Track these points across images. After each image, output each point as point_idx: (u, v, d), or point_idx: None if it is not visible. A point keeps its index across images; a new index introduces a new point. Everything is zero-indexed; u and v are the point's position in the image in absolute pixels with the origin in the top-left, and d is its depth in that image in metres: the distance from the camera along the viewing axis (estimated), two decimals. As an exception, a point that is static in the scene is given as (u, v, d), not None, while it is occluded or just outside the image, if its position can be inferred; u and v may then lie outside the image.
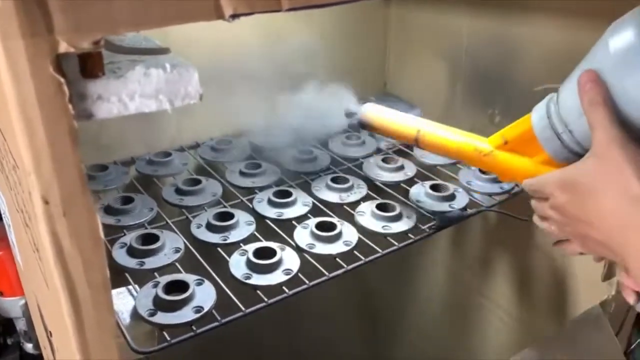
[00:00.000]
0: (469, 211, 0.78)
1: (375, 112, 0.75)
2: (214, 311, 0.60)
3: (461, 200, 0.80)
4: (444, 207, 0.79)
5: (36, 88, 0.28)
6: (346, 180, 0.84)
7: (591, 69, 0.47)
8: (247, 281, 0.64)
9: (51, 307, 0.46)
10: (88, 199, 0.31)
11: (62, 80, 0.28)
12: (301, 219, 0.76)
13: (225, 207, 0.79)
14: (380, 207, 0.77)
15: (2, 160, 0.46)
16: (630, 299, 0.50)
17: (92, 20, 0.28)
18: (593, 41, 0.77)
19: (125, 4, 0.29)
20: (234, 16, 0.32)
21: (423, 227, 0.75)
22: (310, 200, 0.80)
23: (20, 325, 0.89)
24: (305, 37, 0.99)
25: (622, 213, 0.42)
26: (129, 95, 0.31)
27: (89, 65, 0.30)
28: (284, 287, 0.64)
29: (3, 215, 0.65)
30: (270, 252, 0.67)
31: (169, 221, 0.75)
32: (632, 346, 0.81)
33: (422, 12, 1.03)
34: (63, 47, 0.27)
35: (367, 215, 0.77)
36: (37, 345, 0.87)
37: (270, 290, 0.64)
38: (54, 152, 0.29)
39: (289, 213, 0.77)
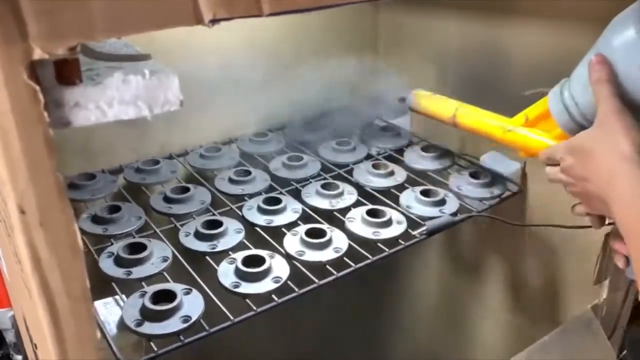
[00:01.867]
0: (460, 216, 0.78)
1: (421, 97, 0.89)
2: (202, 321, 0.60)
3: (451, 205, 0.80)
4: (435, 212, 0.78)
5: (10, 96, 0.27)
6: (336, 187, 0.83)
7: (600, 52, 0.54)
8: (236, 290, 0.64)
9: (34, 318, 0.45)
10: (66, 208, 0.30)
11: (37, 87, 0.27)
12: (291, 226, 0.75)
13: (214, 214, 0.78)
14: (370, 213, 0.76)
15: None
16: (620, 263, 0.57)
17: (67, 26, 0.27)
18: (579, 45, 0.78)
19: (102, 10, 0.28)
20: (214, 21, 0.31)
21: (414, 233, 0.74)
22: (300, 206, 0.79)
23: (10, 337, 0.88)
24: (294, 43, 0.99)
25: (611, 167, 0.50)
26: (107, 102, 0.30)
27: (66, 72, 0.29)
28: (273, 296, 0.63)
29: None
30: (259, 260, 0.67)
31: (157, 230, 0.75)
32: (623, 353, 0.81)
33: (411, 18, 1.03)
34: (37, 54, 0.27)
35: (358, 221, 0.76)
36: (26, 357, 0.86)
37: (259, 298, 0.63)
38: (29, 160, 0.28)
39: (279, 220, 0.76)
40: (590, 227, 0.71)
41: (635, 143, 0.49)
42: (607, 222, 0.60)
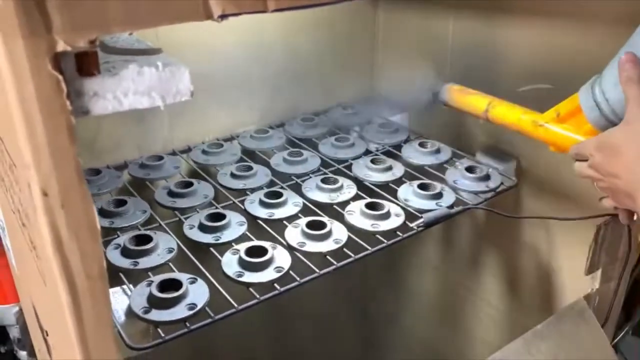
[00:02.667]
0: (456, 209, 0.80)
1: (455, 91, 0.90)
2: (207, 308, 0.62)
3: (448, 199, 0.82)
4: (432, 205, 0.80)
5: (36, 85, 0.29)
6: (336, 181, 0.85)
7: (631, 52, 0.56)
8: (240, 279, 0.66)
9: (48, 304, 0.47)
10: (85, 191, 0.32)
11: (60, 77, 0.29)
12: (292, 218, 0.78)
13: (217, 208, 0.80)
14: (369, 206, 0.79)
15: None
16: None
17: (88, 19, 0.29)
18: (575, 43, 0.80)
19: (119, 5, 0.30)
20: (223, 16, 0.33)
21: (411, 225, 0.76)
22: (300, 200, 0.81)
23: (14, 333, 0.89)
24: (294, 39, 1.01)
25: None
26: (123, 92, 0.33)
27: (85, 64, 0.31)
28: (275, 284, 0.66)
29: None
30: (262, 251, 0.69)
31: (162, 223, 0.77)
32: (617, 338, 0.83)
33: (409, 15, 1.05)
34: (61, 46, 0.29)
35: (357, 214, 0.78)
36: (31, 352, 0.88)
37: (262, 287, 0.65)
38: (53, 146, 0.30)
39: (280, 213, 0.78)
40: (582, 218, 0.73)
41: None
42: (635, 217, 0.63)
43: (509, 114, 0.80)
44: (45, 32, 0.28)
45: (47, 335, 0.59)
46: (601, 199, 0.63)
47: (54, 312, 0.44)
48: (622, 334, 0.89)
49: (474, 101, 0.86)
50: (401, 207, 0.80)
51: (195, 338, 0.61)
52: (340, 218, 0.78)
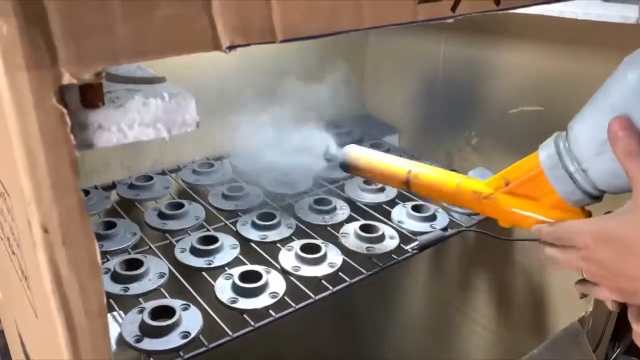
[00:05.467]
0: (450, 231, 0.80)
1: (360, 154, 0.69)
2: (201, 336, 0.60)
3: (442, 220, 0.82)
4: (426, 227, 0.80)
5: (39, 119, 0.28)
6: (329, 202, 0.85)
7: (622, 116, 0.43)
8: (234, 305, 0.64)
9: (39, 336, 0.46)
10: (87, 226, 0.31)
11: (65, 110, 0.28)
12: (285, 241, 0.77)
13: (208, 230, 0.79)
14: (363, 228, 0.78)
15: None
16: None
17: (95, 51, 0.28)
18: (564, 65, 0.81)
19: (127, 36, 0.29)
20: (231, 47, 0.33)
21: (406, 248, 0.76)
22: (294, 222, 0.80)
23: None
24: (284, 58, 1.01)
25: None
26: (128, 124, 0.32)
27: (89, 96, 0.30)
28: (270, 311, 0.64)
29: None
30: (256, 276, 0.68)
31: (152, 246, 0.75)
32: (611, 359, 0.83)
33: (399, 36, 1.06)
34: (66, 79, 0.28)
35: (351, 236, 0.78)
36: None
37: (256, 313, 0.64)
38: (55, 181, 0.29)
39: (273, 236, 0.77)
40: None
41: None
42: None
43: (438, 182, 0.61)
44: (51, 64, 0.27)
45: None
46: (580, 283, 0.51)
47: (46, 345, 0.43)
48: (614, 356, 0.89)
49: (388, 169, 0.65)
50: (395, 229, 0.79)
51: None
52: (334, 240, 0.77)
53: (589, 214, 0.50)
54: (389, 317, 1.27)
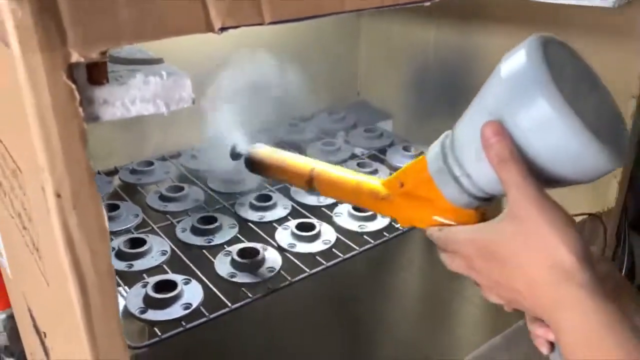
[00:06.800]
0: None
1: (265, 153, 0.69)
2: (201, 307, 0.64)
3: (432, 200, 0.85)
4: (416, 206, 0.83)
5: (51, 95, 0.31)
6: (323, 184, 0.88)
7: (494, 121, 0.41)
8: (232, 279, 0.68)
9: (50, 304, 0.49)
10: (95, 193, 0.34)
11: (74, 86, 0.32)
12: (282, 220, 0.80)
13: (208, 211, 0.82)
14: (356, 207, 0.81)
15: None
16: (544, 349, 0.46)
17: (100, 33, 0.32)
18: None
19: (128, 19, 0.33)
20: (223, 29, 0.36)
21: (397, 225, 0.79)
22: (289, 203, 0.84)
23: (1, 341, 0.89)
24: (278, 46, 1.04)
25: (553, 287, 0.39)
26: (131, 100, 0.35)
27: (95, 74, 0.33)
28: (267, 284, 0.68)
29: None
30: (254, 252, 0.71)
31: (154, 226, 0.79)
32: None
33: (392, 23, 1.09)
34: (75, 58, 0.31)
35: (344, 215, 0.81)
36: (20, 358, 0.88)
37: (254, 287, 0.67)
38: (66, 150, 0.33)
39: (270, 216, 0.81)
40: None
41: (575, 251, 0.38)
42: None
43: (339, 181, 0.59)
44: (61, 45, 0.30)
45: (45, 336, 0.60)
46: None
47: (57, 311, 0.46)
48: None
49: (293, 164, 0.64)
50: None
51: (187, 338, 0.63)
52: (328, 219, 0.81)
53: (482, 217, 0.47)
54: (383, 295, 1.31)
